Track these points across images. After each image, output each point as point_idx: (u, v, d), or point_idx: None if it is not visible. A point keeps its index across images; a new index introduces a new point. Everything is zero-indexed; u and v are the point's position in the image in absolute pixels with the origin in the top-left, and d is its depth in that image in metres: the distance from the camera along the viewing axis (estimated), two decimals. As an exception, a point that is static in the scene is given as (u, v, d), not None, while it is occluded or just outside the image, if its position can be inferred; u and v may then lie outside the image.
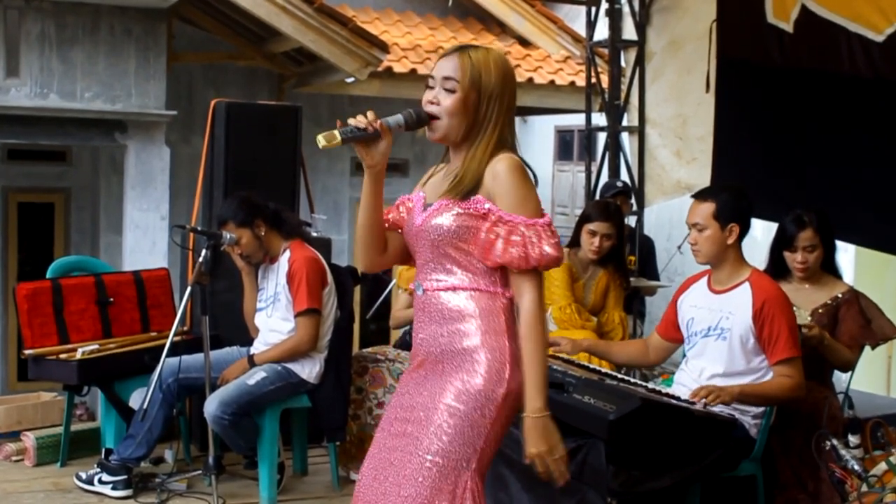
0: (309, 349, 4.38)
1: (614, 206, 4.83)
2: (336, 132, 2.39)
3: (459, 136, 2.46)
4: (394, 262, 2.68)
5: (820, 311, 3.96)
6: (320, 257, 4.51)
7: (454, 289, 2.45)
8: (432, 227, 2.46)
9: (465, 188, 2.42)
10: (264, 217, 4.42)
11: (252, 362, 4.40)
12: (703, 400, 3.33)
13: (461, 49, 2.47)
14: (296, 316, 4.37)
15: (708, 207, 3.58)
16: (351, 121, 2.42)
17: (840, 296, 3.98)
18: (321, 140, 2.39)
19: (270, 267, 4.50)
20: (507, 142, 2.47)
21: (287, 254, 4.43)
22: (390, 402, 2.61)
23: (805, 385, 3.53)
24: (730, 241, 3.57)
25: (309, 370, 4.41)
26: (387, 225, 2.61)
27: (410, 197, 2.63)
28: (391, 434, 2.50)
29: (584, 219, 4.67)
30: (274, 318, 4.45)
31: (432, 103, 2.45)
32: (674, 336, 3.82)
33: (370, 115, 2.43)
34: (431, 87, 2.47)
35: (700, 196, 3.68)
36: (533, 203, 2.42)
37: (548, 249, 2.38)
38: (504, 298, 2.46)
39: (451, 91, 2.43)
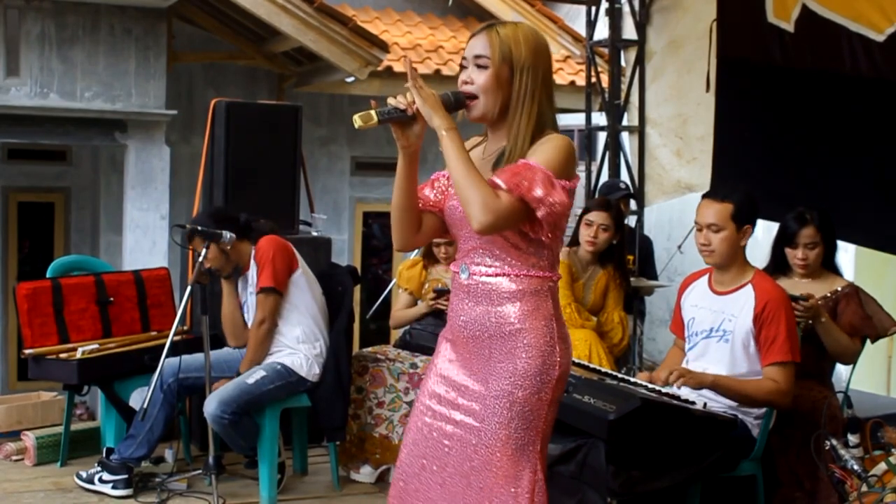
0: (270, 327, 4.35)
1: (615, 202, 4.85)
2: (373, 112, 2.35)
3: (496, 112, 2.45)
4: (428, 241, 2.67)
5: (819, 303, 3.95)
6: (287, 242, 4.47)
7: (504, 274, 2.45)
8: None
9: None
10: (231, 230, 4.37)
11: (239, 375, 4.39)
12: (670, 378, 3.30)
13: (489, 26, 2.47)
14: (257, 293, 4.34)
15: (725, 208, 3.51)
16: (391, 100, 2.39)
17: (840, 290, 3.99)
18: (357, 120, 2.34)
19: (245, 276, 4.50)
20: (546, 118, 2.47)
21: (252, 252, 4.43)
22: (427, 385, 2.56)
23: (791, 394, 3.48)
24: (743, 243, 3.55)
25: (308, 369, 4.41)
26: (422, 205, 2.57)
27: (447, 174, 2.57)
28: (440, 418, 2.48)
29: (583, 212, 4.71)
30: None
31: (467, 83, 2.45)
32: None
33: (409, 96, 2.39)
34: (465, 68, 2.47)
35: (714, 196, 3.58)
36: (563, 166, 2.37)
37: (548, 196, 2.33)
38: (551, 281, 2.50)
39: (484, 67, 2.42)
